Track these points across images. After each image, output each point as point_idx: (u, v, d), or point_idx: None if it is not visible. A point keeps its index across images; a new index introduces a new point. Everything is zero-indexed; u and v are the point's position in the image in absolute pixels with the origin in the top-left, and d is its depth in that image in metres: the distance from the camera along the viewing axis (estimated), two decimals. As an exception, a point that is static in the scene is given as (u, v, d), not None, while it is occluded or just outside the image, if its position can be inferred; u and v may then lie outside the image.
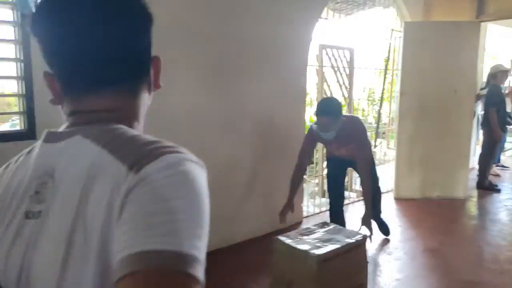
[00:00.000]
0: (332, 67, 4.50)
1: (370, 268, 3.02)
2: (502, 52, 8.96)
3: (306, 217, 4.13)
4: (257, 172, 3.55)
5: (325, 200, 4.57)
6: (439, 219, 4.10)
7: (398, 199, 4.75)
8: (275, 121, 3.62)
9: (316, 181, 4.77)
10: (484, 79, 5.45)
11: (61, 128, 0.61)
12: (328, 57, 4.44)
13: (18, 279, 0.55)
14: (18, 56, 2.24)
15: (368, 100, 7.52)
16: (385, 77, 5.45)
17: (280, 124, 3.66)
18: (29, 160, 0.61)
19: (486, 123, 4.97)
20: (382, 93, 5.47)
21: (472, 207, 4.67)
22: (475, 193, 4.97)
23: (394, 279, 2.89)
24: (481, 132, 5.35)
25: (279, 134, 3.67)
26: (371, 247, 3.39)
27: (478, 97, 5.21)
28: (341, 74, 4.59)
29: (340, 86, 4.64)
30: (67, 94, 0.61)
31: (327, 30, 5.34)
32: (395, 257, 3.23)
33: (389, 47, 5.47)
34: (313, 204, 4.46)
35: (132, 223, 0.47)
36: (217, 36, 3.11)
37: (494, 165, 5.68)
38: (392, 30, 5.47)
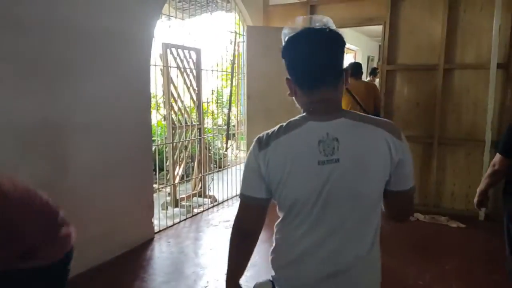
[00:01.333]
0: (178, 67, 4.23)
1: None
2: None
3: (158, 232, 3.75)
4: (95, 190, 3.01)
5: (179, 210, 4.29)
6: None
7: (250, 201, 4.79)
8: (115, 127, 3.14)
9: (168, 190, 4.43)
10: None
11: (313, 113, 1.06)
12: (174, 57, 4.16)
13: (318, 197, 1.02)
14: None
15: (217, 102, 7.52)
16: (232, 80, 5.47)
17: (121, 130, 3.20)
18: (301, 133, 1.04)
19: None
20: (231, 95, 5.48)
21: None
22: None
23: None
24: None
25: (121, 142, 3.21)
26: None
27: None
28: (188, 75, 4.37)
29: (188, 88, 4.41)
30: (306, 90, 1.07)
31: (171, 29, 5.05)
32: (251, 263, 3.15)
33: (234, 51, 5.52)
34: (165, 216, 4.11)
35: (408, 170, 1.07)
36: (36, 22, 2.47)
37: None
38: (236, 33, 5.53)
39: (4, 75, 2.35)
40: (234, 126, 6.76)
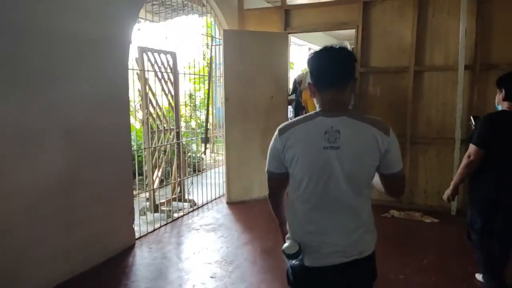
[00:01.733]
0: (155, 71, 4.19)
1: (215, 284, 2.87)
2: (297, 61, 10.30)
3: (138, 238, 3.70)
4: (75, 196, 2.94)
5: (159, 215, 4.24)
6: (268, 219, 4.28)
7: (230, 203, 4.81)
8: (94, 132, 3.07)
9: (147, 195, 4.37)
10: (290, 85, 6.06)
11: (324, 110, 1.40)
12: (150, 61, 4.11)
13: (322, 174, 1.36)
14: None
15: (193, 105, 7.49)
16: (209, 83, 5.47)
17: (100, 134, 3.14)
18: (312, 124, 1.38)
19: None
20: (208, 99, 5.47)
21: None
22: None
23: (239, 289, 2.82)
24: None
25: (100, 147, 3.14)
26: (211, 259, 3.26)
27: (289, 102, 5.77)
28: (165, 80, 4.33)
29: (166, 94, 4.37)
30: (320, 91, 1.42)
31: (145, 32, 5.00)
32: (236, 265, 3.16)
33: (210, 54, 5.52)
34: (146, 221, 4.05)
35: (394, 158, 1.41)
36: (13, 26, 2.40)
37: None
38: (212, 37, 5.53)
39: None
40: (209, 129, 6.74)
